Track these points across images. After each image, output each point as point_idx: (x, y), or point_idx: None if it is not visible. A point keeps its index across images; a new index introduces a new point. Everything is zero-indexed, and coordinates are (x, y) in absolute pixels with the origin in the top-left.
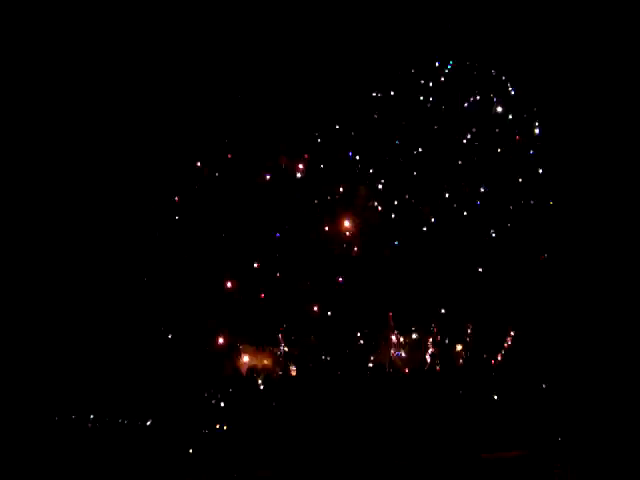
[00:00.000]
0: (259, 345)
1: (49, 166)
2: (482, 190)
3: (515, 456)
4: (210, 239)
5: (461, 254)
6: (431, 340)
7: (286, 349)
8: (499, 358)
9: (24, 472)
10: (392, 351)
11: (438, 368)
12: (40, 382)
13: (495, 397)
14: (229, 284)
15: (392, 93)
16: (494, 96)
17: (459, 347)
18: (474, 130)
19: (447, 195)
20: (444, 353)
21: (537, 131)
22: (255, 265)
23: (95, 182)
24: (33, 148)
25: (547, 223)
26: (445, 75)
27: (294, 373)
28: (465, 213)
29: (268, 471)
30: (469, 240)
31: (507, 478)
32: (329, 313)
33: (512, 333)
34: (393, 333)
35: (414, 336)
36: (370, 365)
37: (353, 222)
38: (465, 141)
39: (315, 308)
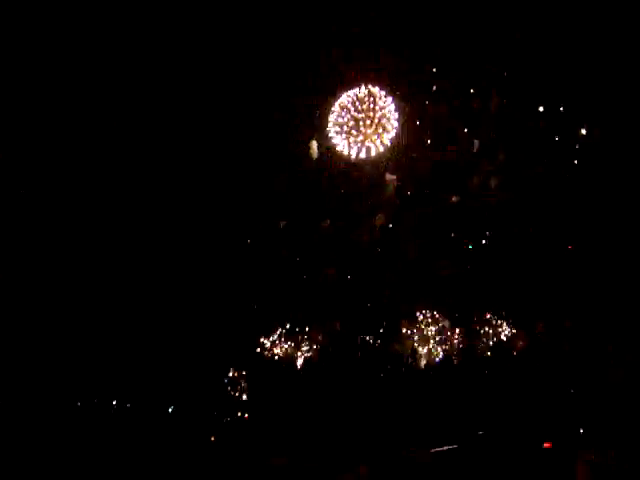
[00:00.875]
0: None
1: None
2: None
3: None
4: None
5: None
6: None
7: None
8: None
9: (50, 453)
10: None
11: (457, 361)
12: (71, 370)
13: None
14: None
15: None
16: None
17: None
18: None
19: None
20: (469, 347)
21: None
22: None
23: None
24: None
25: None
26: None
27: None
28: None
29: (284, 459)
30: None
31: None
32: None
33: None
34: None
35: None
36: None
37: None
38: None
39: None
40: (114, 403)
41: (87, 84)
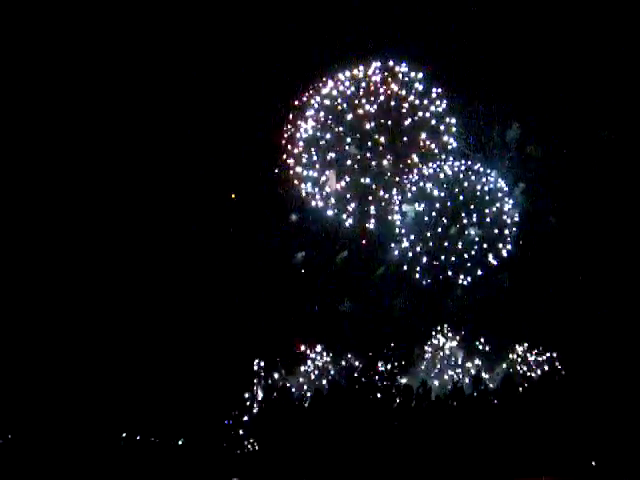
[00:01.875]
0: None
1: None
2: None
3: None
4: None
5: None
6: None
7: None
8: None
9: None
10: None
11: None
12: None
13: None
14: None
15: None
16: None
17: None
18: None
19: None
20: (477, 378)
21: None
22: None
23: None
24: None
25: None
26: None
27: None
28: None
29: None
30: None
31: None
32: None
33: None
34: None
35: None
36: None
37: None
38: None
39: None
40: (123, 435)
41: (87, 84)
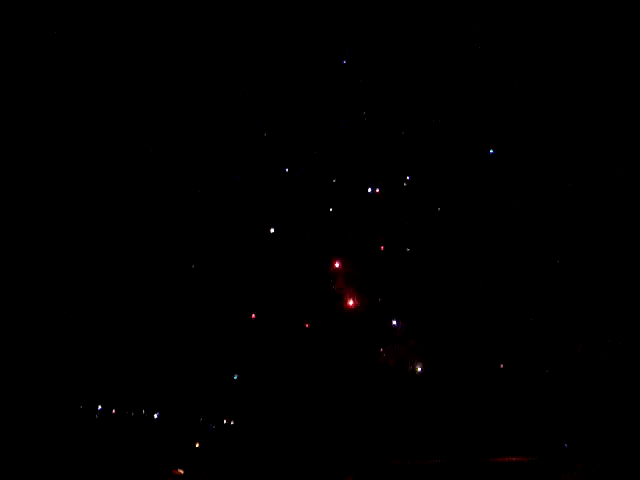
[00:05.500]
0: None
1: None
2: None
3: (522, 461)
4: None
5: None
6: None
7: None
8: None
9: (29, 464)
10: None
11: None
12: (48, 374)
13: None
14: None
15: None
16: None
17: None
18: None
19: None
20: (451, 354)
21: None
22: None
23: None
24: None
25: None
26: None
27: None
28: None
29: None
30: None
31: None
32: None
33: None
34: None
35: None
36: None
37: None
38: None
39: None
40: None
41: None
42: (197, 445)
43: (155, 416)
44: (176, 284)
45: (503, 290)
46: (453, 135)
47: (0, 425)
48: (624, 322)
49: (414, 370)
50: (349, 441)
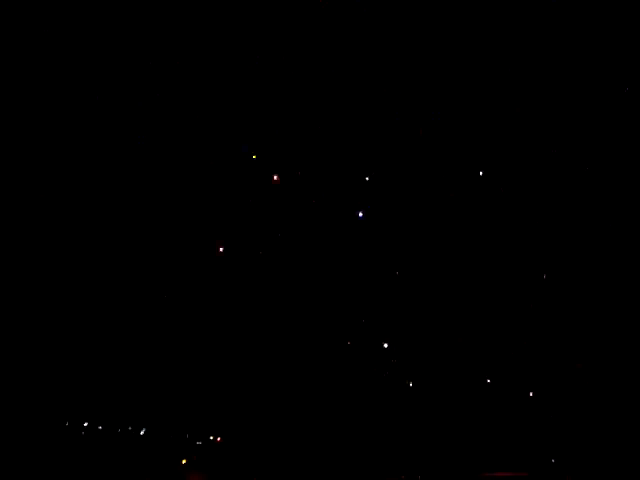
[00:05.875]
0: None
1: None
2: None
3: (513, 476)
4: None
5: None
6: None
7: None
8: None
9: None
10: None
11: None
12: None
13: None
14: None
15: None
16: None
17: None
18: None
19: None
20: (442, 367)
21: None
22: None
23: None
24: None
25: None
26: None
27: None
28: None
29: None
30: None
31: None
32: None
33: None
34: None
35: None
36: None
37: None
38: None
39: None
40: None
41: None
42: (184, 462)
43: (141, 432)
44: (161, 297)
45: (493, 306)
46: (442, 155)
47: None
48: (613, 334)
49: (404, 386)
50: (340, 460)
